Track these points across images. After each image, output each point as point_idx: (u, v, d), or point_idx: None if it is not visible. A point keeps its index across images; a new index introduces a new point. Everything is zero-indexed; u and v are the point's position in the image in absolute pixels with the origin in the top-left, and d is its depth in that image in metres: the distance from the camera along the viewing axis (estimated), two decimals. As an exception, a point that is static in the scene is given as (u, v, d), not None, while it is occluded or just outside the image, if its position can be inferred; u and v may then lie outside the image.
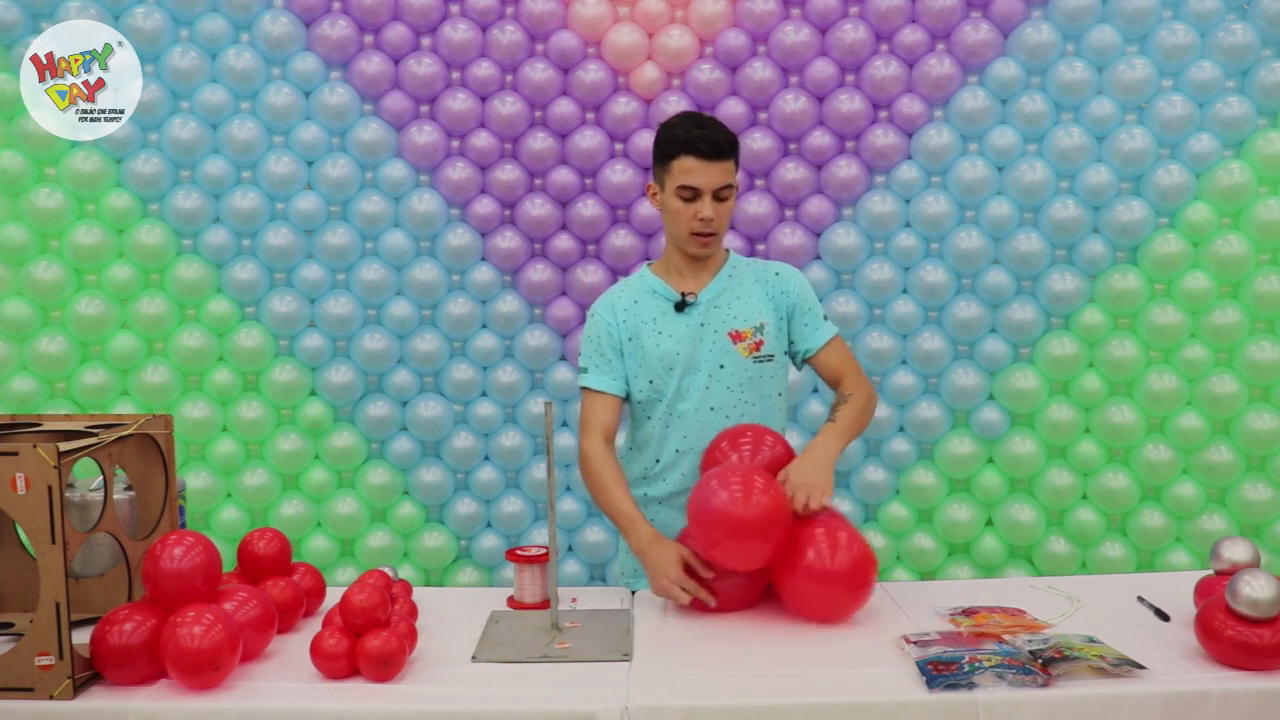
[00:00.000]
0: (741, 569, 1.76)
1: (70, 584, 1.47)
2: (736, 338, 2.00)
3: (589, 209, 2.99)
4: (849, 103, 2.94)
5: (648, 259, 3.01)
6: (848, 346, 2.09)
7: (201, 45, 2.93)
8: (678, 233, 2.00)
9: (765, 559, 1.73)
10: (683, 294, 2.03)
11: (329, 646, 1.52)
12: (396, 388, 3.03)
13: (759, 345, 2.01)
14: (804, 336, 2.05)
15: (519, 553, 1.92)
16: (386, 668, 1.50)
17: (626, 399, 2.05)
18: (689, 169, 1.93)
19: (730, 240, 3.00)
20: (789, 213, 3.04)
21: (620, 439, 2.10)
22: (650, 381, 2.02)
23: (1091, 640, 1.58)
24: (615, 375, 2.02)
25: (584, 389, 2.04)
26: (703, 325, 2.02)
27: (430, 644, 1.66)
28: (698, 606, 1.81)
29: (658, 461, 2.05)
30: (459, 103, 2.95)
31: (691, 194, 1.94)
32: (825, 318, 2.07)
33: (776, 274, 2.07)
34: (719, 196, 1.95)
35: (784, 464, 1.84)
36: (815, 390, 3.05)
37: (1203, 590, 1.71)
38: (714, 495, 1.70)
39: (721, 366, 2.00)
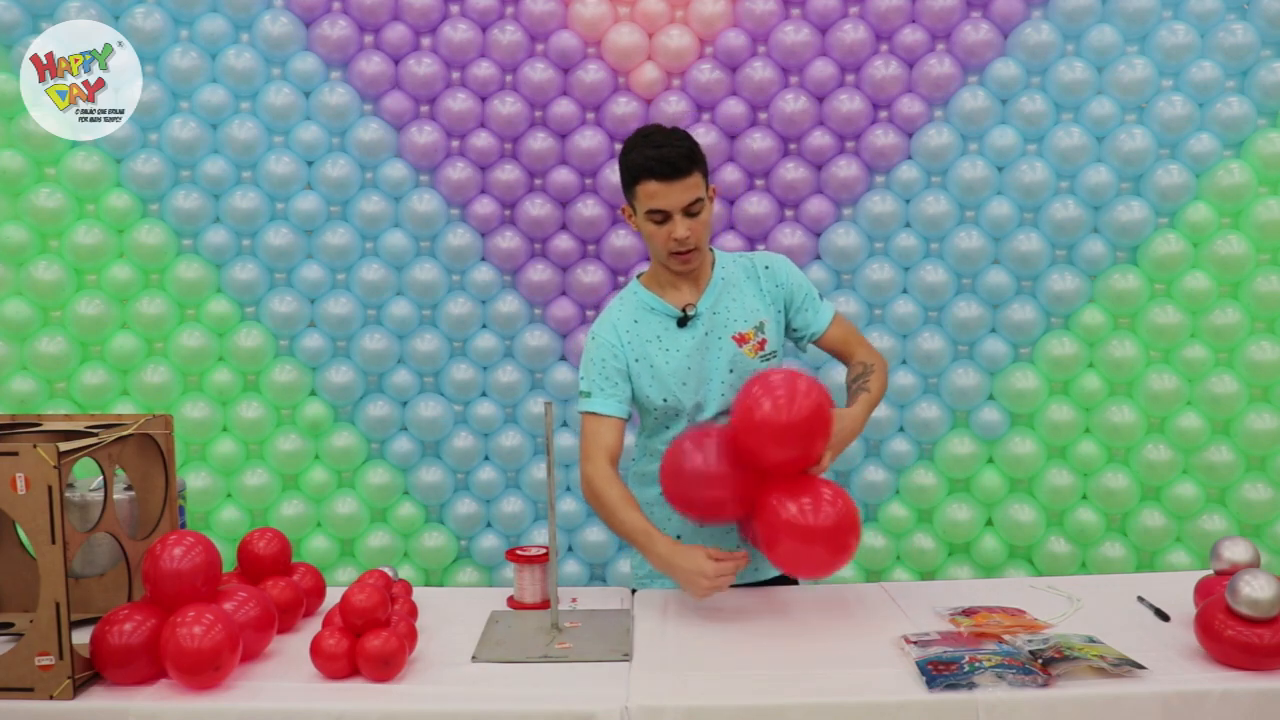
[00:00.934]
0: (778, 461, 1.79)
1: (70, 584, 1.47)
2: (741, 340, 2.01)
3: (589, 209, 2.99)
4: (849, 103, 2.94)
5: (647, 259, 3.01)
6: (849, 321, 2.12)
7: (201, 45, 2.92)
8: (658, 254, 2.00)
9: (803, 459, 1.78)
10: (683, 308, 2.02)
11: (329, 646, 1.52)
12: (396, 388, 3.03)
13: (763, 344, 2.02)
14: (806, 322, 2.07)
15: (519, 553, 1.92)
16: (386, 668, 1.50)
17: (628, 420, 2.03)
18: (653, 193, 1.90)
19: (730, 240, 3.00)
20: (789, 213, 3.04)
21: (629, 439, 2.10)
22: (664, 399, 2.01)
23: (1091, 640, 1.58)
24: (619, 398, 1.99)
25: (586, 413, 1.99)
26: (707, 334, 2.01)
27: (430, 644, 1.67)
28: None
29: None
30: (459, 103, 2.95)
31: (661, 216, 1.92)
32: (821, 297, 2.09)
33: (766, 267, 2.07)
34: (690, 212, 1.92)
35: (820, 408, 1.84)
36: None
37: (1203, 590, 1.72)
38: (758, 404, 1.75)
39: (731, 370, 2.00)
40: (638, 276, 2.11)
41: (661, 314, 2.03)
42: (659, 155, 1.88)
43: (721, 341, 2.01)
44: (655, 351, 2.01)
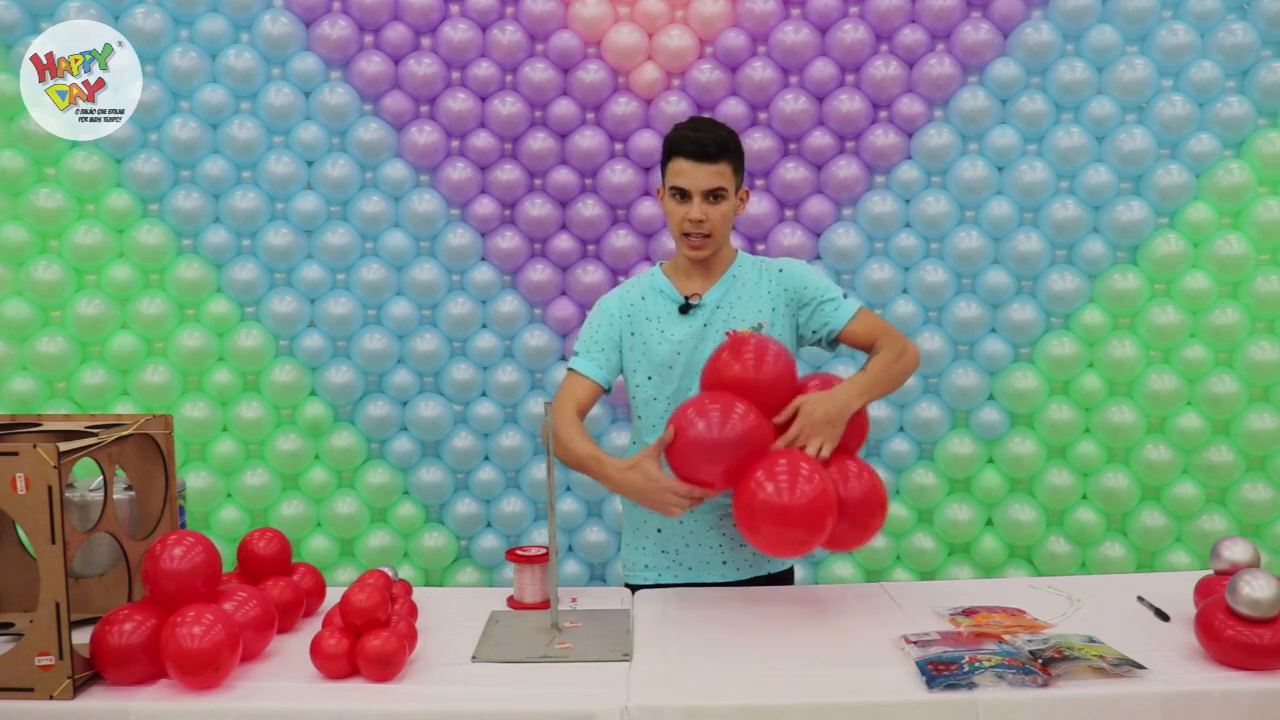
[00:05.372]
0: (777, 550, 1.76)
1: (70, 584, 1.47)
2: None
3: (589, 209, 2.99)
4: (849, 103, 2.94)
5: (648, 259, 3.02)
6: (876, 316, 2.06)
7: (201, 45, 2.92)
8: (673, 234, 2.03)
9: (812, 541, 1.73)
10: (687, 296, 2.04)
11: (329, 646, 1.52)
12: (396, 388, 3.03)
13: None
14: (826, 320, 2.03)
15: (519, 553, 1.92)
16: (386, 668, 1.50)
17: (607, 391, 2.06)
18: (679, 170, 1.96)
19: (731, 240, 2.99)
20: (789, 213, 3.04)
21: (624, 439, 2.11)
22: (649, 377, 2.03)
23: (1091, 640, 1.58)
24: (602, 365, 2.04)
25: (568, 369, 2.06)
26: (705, 326, 2.02)
27: (430, 644, 1.66)
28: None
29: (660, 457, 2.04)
30: (459, 103, 2.95)
31: (682, 194, 1.97)
32: (846, 295, 2.05)
33: (780, 270, 2.08)
34: (711, 197, 1.96)
35: (787, 382, 1.83)
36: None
37: (1203, 590, 1.72)
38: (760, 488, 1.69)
39: None
40: (660, 264, 2.15)
41: (668, 298, 2.07)
42: (693, 136, 1.95)
43: (718, 336, 2.01)
44: (652, 332, 2.04)
